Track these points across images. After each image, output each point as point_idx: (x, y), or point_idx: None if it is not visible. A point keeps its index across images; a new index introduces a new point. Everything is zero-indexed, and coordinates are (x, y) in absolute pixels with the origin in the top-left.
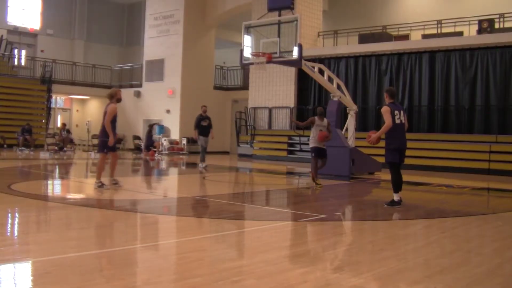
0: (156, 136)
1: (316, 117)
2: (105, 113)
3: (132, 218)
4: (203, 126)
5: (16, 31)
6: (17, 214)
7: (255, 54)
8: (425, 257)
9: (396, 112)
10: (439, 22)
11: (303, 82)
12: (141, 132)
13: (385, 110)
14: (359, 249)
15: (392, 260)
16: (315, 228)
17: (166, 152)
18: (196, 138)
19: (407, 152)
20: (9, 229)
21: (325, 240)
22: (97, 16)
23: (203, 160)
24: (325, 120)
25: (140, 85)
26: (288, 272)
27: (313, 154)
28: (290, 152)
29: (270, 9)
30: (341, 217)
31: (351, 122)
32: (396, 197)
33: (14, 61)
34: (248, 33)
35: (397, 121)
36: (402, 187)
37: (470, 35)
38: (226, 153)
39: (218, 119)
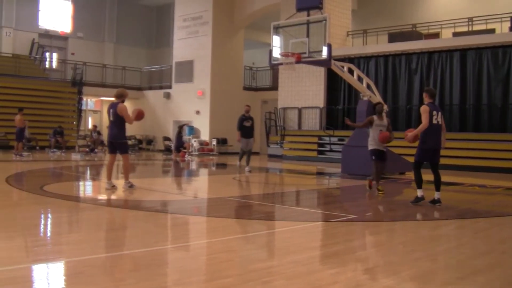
0: (186, 137)
1: (375, 116)
2: (113, 113)
3: (162, 218)
4: (245, 127)
5: (47, 34)
6: (49, 215)
7: (284, 54)
8: (458, 258)
9: (434, 112)
10: (470, 19)
11: (333, 82)
12: (171, 133)
13: (424, 109)
14: (390, 250)
15: (424, 261)
16: (345, 228)
17: (196, 153)
18: (238, 140)
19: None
20: (42, 229)
21: (355, 240)
22: (126, 18)
23: (244, 162)
24: (385, 119)
25: (169, 87)
26: (318, 273)
27: (373, 157)
28: (320, 152)
29: (299, 9)
30: (371, 217)
31: None
32: (419, 192)
33: (45, 64)
34: (277, 33)
35: (434, 122)
36: (439, 186)
37: (502, 32)
38: (256, 153)
39: None
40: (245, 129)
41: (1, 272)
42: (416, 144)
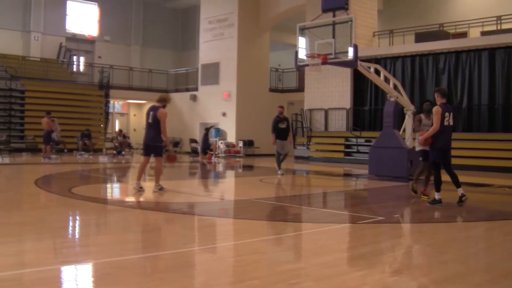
0: (212, 139)
1: (422, 115)
2: (153, 116)
3: (189, 220)
4: (280, 128)
5: (74, 38)
6: (77, 217)
7: (310, 56)
8: (487, 260)
9: (446, 114)
10: (499, 18)
11: (359, 82)
12: (198, 135)
13: (436, 111)
14: (418, 252)
15: (453, 263)
16: (373, 230)
17: (223, 155)
18: (273, 142)
19: (467, 153)
20: (70, 231)
21: (383, 242)
22: (152, 21)
23: (279, 166)
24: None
25: (196, 89)
26: (346, 275)
27: (421, 158)
28: (347, 153)
29: (324, 10)
30: (399, 219)
31: (408, 123)
32: (437, 195)
33: (73, 68)
34: (302, 34)
35: (446, 123)
36: (458, 183)
37: None
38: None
39: None
40: (281, 131)
41: (31, 273)
42: None
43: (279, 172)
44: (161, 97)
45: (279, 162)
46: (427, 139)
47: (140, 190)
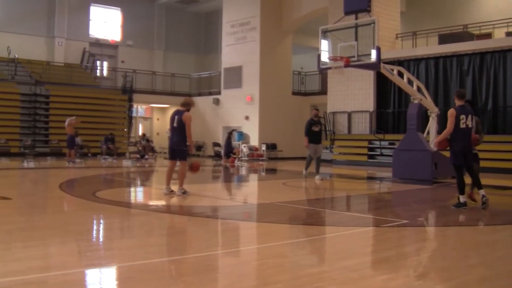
0: (235, 142)
1: None
2: (178, 120)
3: (212, 224)
4: (314, 132)
5: (97, 43)
6: (101, 221)
7: (333, 59)
8: None
9: (462, 116)
10: None
11: (382, 85)
12: (221, 139)
13: (450, 113)
14: (443, 256)
15: (479, 267)
16: (397, 234)
17: (246, 158)
18: (306, 146)
19: (492, 155)
20: (94, 235)
21: (407, 246)
22: (175, 26)
23: (317, 171)
24: (474, 118)
25: (218, 93)
26: (370, 279)
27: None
28: (371, 156)
29: (347, 13)
30: (423, 222)
31: (432, 125)
32: (462, 198)
33: (96, 72)
34: (325, 37)
35: (462, 126)
36: (479, 185)
37: None
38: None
39: (297, 125)
40: (314, 134)
41: (55, 276)
42: None
43: (317, 177)
44: (185, 101)
45: (308, 166)
46: (440, 142)
47: (170, 194)
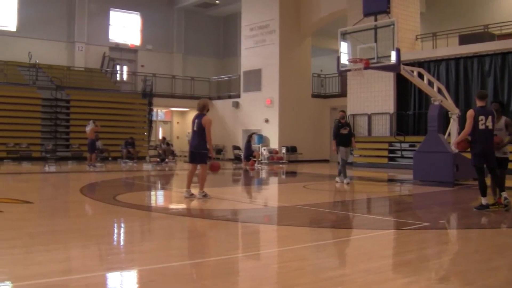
0: (255, 145)
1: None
2: (198, 124)
3: (233, 227)
4: (342, 134)
5: (117, 47)
6: (122, 224)
7: (352, 61)
8: None
9: (481, 117)
10: None
11: (402, 87)
12: (241, 142)
13: (468, 114)
14: (465, 258)
15: (502, 270)
16: (418, 236)
17: (266, 161)
18: (334, 149)
19: None
20: (115, 238)
21: (429, 248)
22: (194, 29)
23: (344, 175)
24: (503, 119)
25: (238, 96)
26: (391, 282)
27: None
28: (391, 159)
29: (366, 14)
30: (445, 225)
31: (453, 127)
32: (484, 201)
33: (116, 77)
34: (344, 39)
35: (481, 127)
36: (502, 186)
37: None
38: (326, 161)
39: (317, 127)
40: (343, 137)
41: (77, 280)
42: None
43: (345, 180)
44: (200, 105)
45: (344, 169)
46: (459, 143)
47: (191, 197)
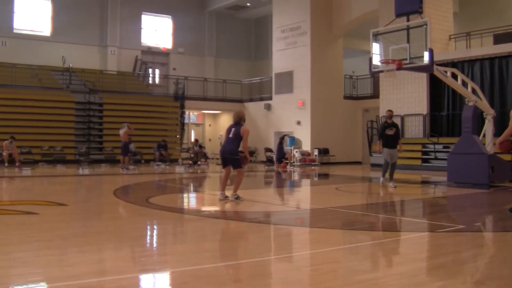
0: (287, 147)
1: None
2: (234, 132)
3: (265, 229)
4: (387, 135)
5: (149, 51)
6: (155, 226)
7: (385, 62)
8: None
9: None
10: None
11: (436, 87)
12: (273, 144)
13: None
14: (501, 262)
15: None
16: (453, 239)
17: (298, 163)
18: (379, 150)
19: None
20: (148, 240)
21: (464, 252)
22: (225, 32)
23: (391, 177)
24: None
25: (270, 98)
26: (425, 285)
27: None
28: (425, 160)
29: (398, 15)
30: (480, 227)
31: (488, 128)
32: None
33: (148, 80)
34: (376, 40)
35: None
36: None
37: None
38: (358, 163)
39: (349, 129)
40: (388, 138)
41: (110, 281)
42: None
43: (390, 184)
44: (237, 117)
45: (385, 172)
46: (502, 143)
47: (224, 199)
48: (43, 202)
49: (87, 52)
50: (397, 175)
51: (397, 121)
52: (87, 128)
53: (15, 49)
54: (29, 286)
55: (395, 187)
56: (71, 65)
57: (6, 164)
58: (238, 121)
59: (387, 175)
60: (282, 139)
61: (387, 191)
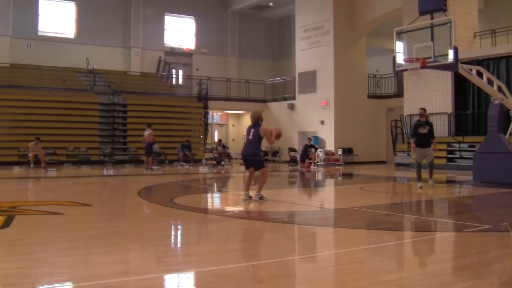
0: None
1: None
2: (254, 133)
3: (289, 229)
4: (420, 134)
5: (172, 52)
6: (179, 227)
7: (409, 60)
8: None
9: None
10: None
11: (461, 86)
12: (296, 144)
13: None
14: None
15: None
16: (479, 239)
17: (322, 163)
18: (412, 149)
19: None
20: (172, 240)
21: (490, 252)
22: (248, 32)
23: (430, 176)
24: None
25: (293, 98)
26: (451, 286)
27: None
28: (450, 159)
29: (422, 13)
30: (507, 227)
31: None
32: None
33: (172, 81)
34: (399, 39)
35: None
36: None
37: None
38: (383, 162)
39: (373, 128)
40: (420, 137)
41: (135, 281)
42: None
43: (418, 184)
44: (255, 118)
45: (420, 175)
46: None
47: (249, 199)
48: (68, 202)
49: (110, 54)
50: (422, 174)
51: None
52: (111, 129)
53: (40, 51)
54: (55, 285)
55: (433, 186)
56: (95, 67)
57: (31, 165)
58: (256, 122)
59: (426, 175)
60: (307, 147)
61: (413, 190)
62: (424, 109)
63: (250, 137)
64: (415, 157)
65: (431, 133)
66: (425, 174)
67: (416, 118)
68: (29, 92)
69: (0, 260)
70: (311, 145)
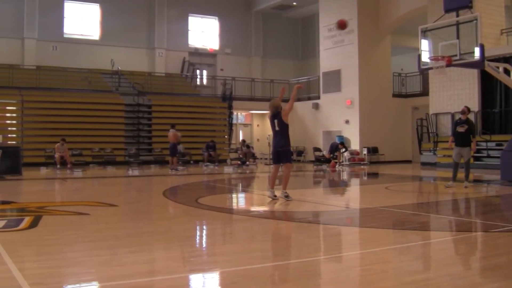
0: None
1: None
2: (278, 123)
3: (315, 229)
4: (458, 132)
5: (196, 52)
6: (204, 227)
7: (434, 58)
8: None
9: None
10: None
11: (487, 83)
12: (321, 144)
13: None
14: None
15: None
16: (508, 239)
17: (347, 163)
18: (450, 147)
19: None
20: (197, 240)
21: None
22: (272, 32)
23: (466, 177)
24: None
25: (318, 97)
26: (479, 287)
27: None
28: (477, 158)
29: (447, 10)
30: None
31: None
32: None
33: (196, 81)
34: (424, 37)
35: None
36: None
37: None
38: (408, 161)
39: (398, 128)
40: (459, 136)
41: (160, 281)
42: None
43: (447, 184)
44: (274, 105)
45: (455, 174)
46: None
47: (274, 198)
48: (94, 203)
49: (135, 55)
50: (448, 173)
51: (447, 118)
52: (137, 130)
53: (65, 53)
54: (82, 285)
55: (466, 187)
56: (119, 68)
57: (58, 166)
58: (276, 110)
59: (461, 175)
60: (338, 146)
61: (439, 190)
62: (467, 108)
63: (277, 128)
64: (453, 156)
65: (470, 132)
66: (462, 173)
67: (441, 117)
68: (55, 93)
69: (28, 259)
70: (343, 144)
